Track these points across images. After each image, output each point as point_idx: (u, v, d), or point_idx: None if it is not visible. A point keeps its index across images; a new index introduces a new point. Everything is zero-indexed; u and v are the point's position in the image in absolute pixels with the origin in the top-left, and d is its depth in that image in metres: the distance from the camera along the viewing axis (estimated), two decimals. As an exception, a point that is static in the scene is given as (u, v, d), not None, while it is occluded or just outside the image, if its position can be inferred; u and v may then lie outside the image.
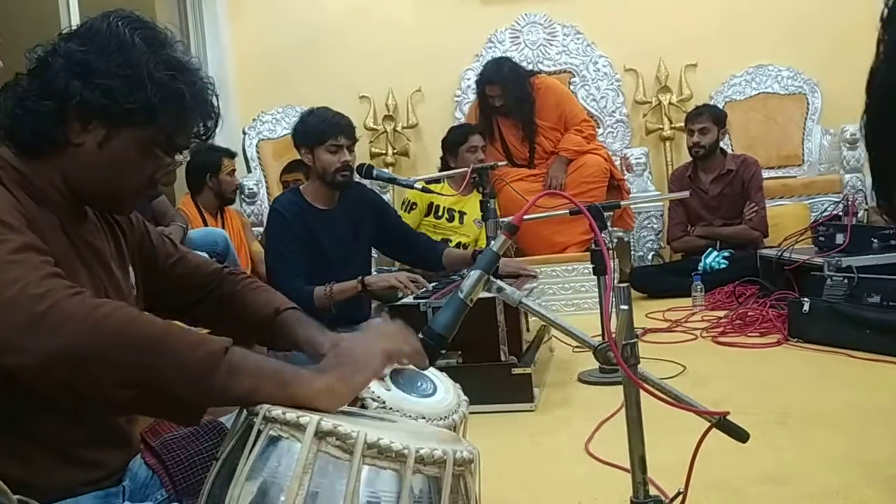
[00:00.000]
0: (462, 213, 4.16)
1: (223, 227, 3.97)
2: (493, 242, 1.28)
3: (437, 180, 3.90)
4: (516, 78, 4.55)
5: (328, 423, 0.92)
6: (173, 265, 1.34)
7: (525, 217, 1.99)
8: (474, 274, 1.26)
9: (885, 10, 0.50)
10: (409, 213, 4.06)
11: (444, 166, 4.27)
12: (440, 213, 4.13)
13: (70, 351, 0.84)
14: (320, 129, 2.82)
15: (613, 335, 1.17)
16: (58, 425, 1.04)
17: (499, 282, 1.28)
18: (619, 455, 1.64)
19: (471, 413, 1.29)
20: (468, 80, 5.31)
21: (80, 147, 1.07)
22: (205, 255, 3.05)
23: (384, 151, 5.32)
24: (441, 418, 1.24)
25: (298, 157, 2.95)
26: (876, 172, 0.51)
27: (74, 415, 1.05)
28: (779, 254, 3.35)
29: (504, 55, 4.96)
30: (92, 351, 0.85)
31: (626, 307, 1.19)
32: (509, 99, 4.51)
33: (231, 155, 4.14)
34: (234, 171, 4.10)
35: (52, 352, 0.83)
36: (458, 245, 4.06)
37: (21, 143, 1.07)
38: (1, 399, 0.95)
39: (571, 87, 5.21)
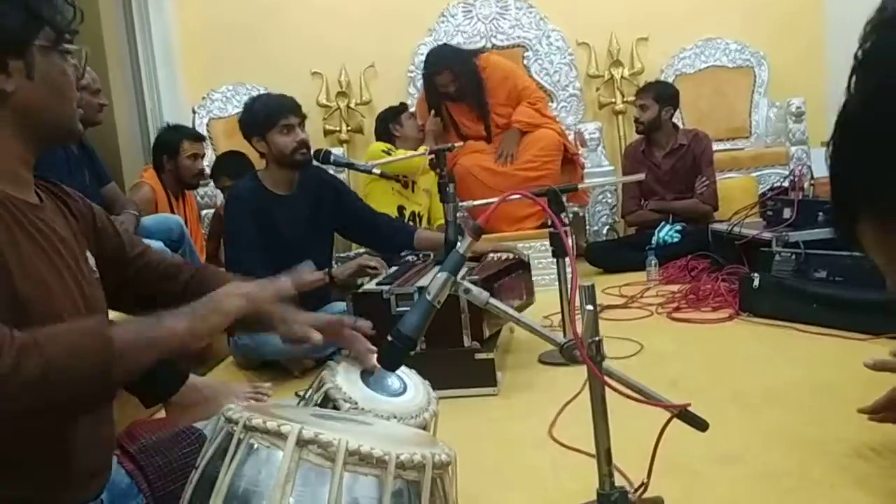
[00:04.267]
0: (413, 182, 4.21)
1: (184, 211, 3.90)
2: (459, 245, 1.30)
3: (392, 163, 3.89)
4: (462, 61, 4.51)
5: (310, 431, 0.94)
6: (140, 255, 1.32)
7: (479, 202, 1.92)
8: (441, 276, 1.28)
9: (861, 52, 0.52)
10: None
11: (385, 135, 4.35)
12: (397, 176, 4.15)
13: None
14: (267, 113, 2.79)
15: (579, 333, 1.21)
16: (26, 436, 1.01)
17: (465, 283, 1.31)
18: (582, 439, 1.69)
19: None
20: (421, 54, 5.25)
21: (15, 93, 1.03)
22: (160, 243, 3.01)
23: (338, 129, 5.27)
24: (412, 417, 1.27)
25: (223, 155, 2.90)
26: (837, 211, 0.54)
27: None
28: (729, 228, 3.44)
29: (443, 42, 4.94)
30: None
31: (591, 307, 1.22)
32: (460, 83, 4.47)
33: (195, 137, 3.94)
34: (196, 154, 3.86)
35: None
36: (412, 215, 4.11)
37: None
38: None
39: (525, 62, 5.22)
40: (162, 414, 1.76)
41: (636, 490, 1.27)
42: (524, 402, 2.20)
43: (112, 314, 1.24)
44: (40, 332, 0.89)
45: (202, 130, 5.06)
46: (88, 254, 1.19)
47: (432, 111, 4.55)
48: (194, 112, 5.12)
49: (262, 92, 3.75)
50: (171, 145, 3.79)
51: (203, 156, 3.92)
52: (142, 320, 1.05)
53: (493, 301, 1.30)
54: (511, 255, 2.79)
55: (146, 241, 2.87)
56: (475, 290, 1.29)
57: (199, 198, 4.63)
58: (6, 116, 1.04)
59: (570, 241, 2.74)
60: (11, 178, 1.05)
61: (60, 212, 1.17)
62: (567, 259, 2.62)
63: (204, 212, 4.62)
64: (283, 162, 2.82)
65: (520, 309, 2.71)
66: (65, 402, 0.90)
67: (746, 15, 5.18)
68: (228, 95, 5.17)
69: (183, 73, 5.28)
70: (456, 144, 3.34)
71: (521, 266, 2.76)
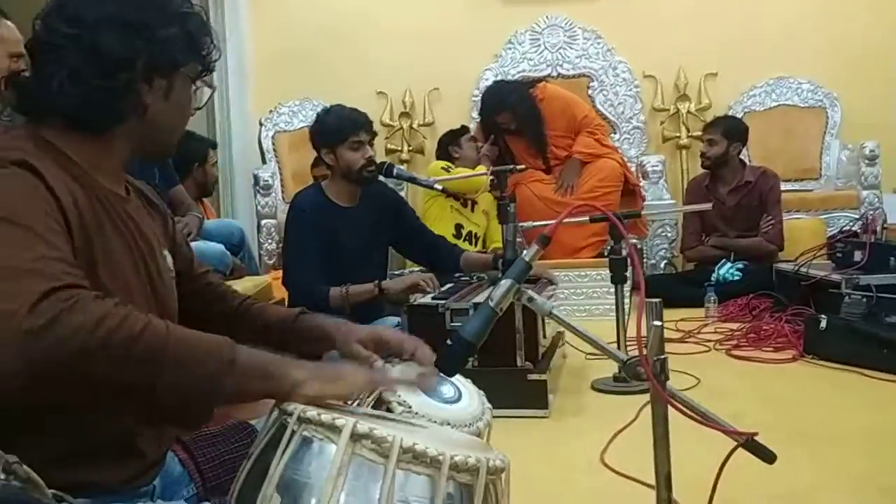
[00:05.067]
0: (473, 203, 4.20)
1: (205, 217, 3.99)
2: (525, 252, 1.27)
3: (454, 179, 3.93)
4: (520, 98, 4.52)
5: (364, 425, 0.92)
6: (204, 274, 1.34)
7: (538, 223, 1.86)
8: (505, 283, 1.25)
9: None
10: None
11: (445, 157, 4.43)
12: (456, 194, 4.19)
13: (65, 368, 0.81)
14: (340, 127, 2.81)
15: (645, 351, 1.17)
16: (97, 419, 1.01)
17: (529, 291, 1.28)
18: (635, 466, 1.64)
19: (483, 416, 1.29)
20: (486, 80, 5.30)
21: (149, 107, 1.07)
22: (221, 246, 3.07)
23: (400, 148, 5.32)
24: (466, 425, 1.24)
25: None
26: None
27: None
28: (796, 268, 3.33)
29: (498, 79, 4.96)
30: (90, 369, 0.82)
31: (658, 323, 1.18)
32: (520, 120, 4.49)
33: (215, 146, 4.15)
34: (216, 162, 4.09)
35: (46, 369, 0.80)
36: (469, 234, 4.11)
37: (92, 126, 1.05)
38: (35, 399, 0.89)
39: (589, 92, 5.21)
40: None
41: (696, 519, 1.22)
42: (575, 426, 2.15)
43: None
44: (172, 324, 0.90)
45: (267, 143, 5.17)
46: (166, 252, 1.21)
47: (491, 136, 4.58)
48: (261, 125, 5.23)
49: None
50: (201, 153, 3.91)
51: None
52: (267, 354, 1.01)
53: (555, 312, 1.26)
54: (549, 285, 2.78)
55: (208, 242, 2.96)
56: (539, 299, 1.26)
57: (259, 207, 4.73)
58: (135, 126, 1.07)
59: (629, 270, 2.69)
60: (109, 174, 1.09)
61: (144, 207, 1.19)
62: (625, 284, 2.58)
63: (264, 221, 4.71)
64: (350, 177, 2.84)
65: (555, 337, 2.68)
66: (167, 395, 0.86)
67: (820, 55, 5.08)
68: (295, 110, 5.27)
69: (253, 87, 5.40)
70: (518, 167, 3.33)
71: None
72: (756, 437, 1.20)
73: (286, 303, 3.06)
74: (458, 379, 1.36)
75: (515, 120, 4.48)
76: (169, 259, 1.21)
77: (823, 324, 2.72)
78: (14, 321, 0.78)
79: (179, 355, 0.86)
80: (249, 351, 0.95)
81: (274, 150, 5.17)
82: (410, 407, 1.23)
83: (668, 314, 3.81)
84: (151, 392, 0.85)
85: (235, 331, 1.30)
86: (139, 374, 0.84)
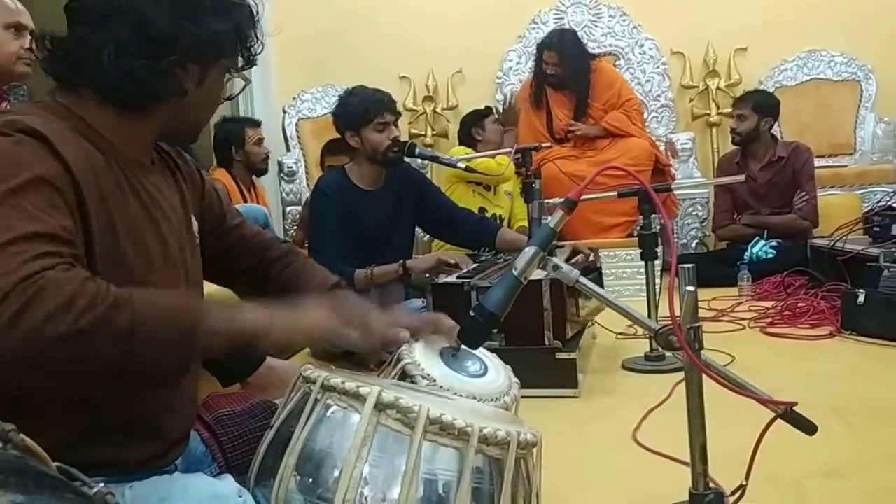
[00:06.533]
0: (494, 185, 4.16)
1: (256, 203, 3.96)
2: (549, 218, 1.24)
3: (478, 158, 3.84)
4: (577, 52, 4.46)
5: (389, 394, 0.89)
6: (238, 225, 1.32)
7: (562, 200, 1.84)
8: (529, 251, 1.21)
9: None
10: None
11: (467, 139, 4.35)
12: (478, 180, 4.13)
13: (40, 357, 0.81)
14: (364, 109, 2.77)
15: (678, 318, 1.12)
16: (115, 399, 1.00)
17: (555, 259, 1.24)
18: (667, 444, 1.60)
19: (512, 397, 1.25)
20: (510, 61, 5.24)
21: (188, 91, 1.05)
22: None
23: (423, 132, 5.28)
24: (493, 399, 1.20)
25: (336, 137, 2.92)
26: None
27: (133, 390, 1.02)
28: (831, 244, 3.25)
29: (570, 28, 4.86)
30: (64, 353, 0.82)
31: (691, 288, 1.14)
32: (564, 70, 4.41)
33: (255, 124, 4.04)
34: (261, 140, 3.97)
35: (22, 360, 0.80)
36: (493, 217, 4.06)
37: (129, 103, 1.03)
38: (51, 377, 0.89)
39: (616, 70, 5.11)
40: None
41: (733, 493, 1.17)
42: (606, 405, 2.10)
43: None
44: (136, 291, 0.88)
45: (291, 130, 5.16)
46: (193, 218, 1.19)
47: (515, 127, 4.51)
48: (284, 112, 5.22)
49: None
50: (237, 135, 3.86)
51: (263, 140, 3.98)
52: (231, 305, 1.02)
53: (582, 280, 1.22)
54: (587, 257, 2.70)
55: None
56: (565, 267, 1.22)
57: (284, 194, 4.72)
58: (169, 108, 1.05)
59: (659, 249, 2.63)
60: (135, 146, 1.07)
61: (171, 175, 1.17)
62: (655, 261, 2.52)
63: (289, 208, 4.70)
64: (375, 158, 2.81)
65: (591, 314, 2.61)
66: (142, 362, 0.88)
67: (853, 26, 4.93)
68: (318, 96, 5.25)
69: (276, 73, 5.39)
70: (543, 144, 3.27)
71: (593, 270, 2.68)
72: (795, 408, 1.15)
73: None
74: (483, 353, 1.32)
75: (560, 67, 4.40)
76: (195, 225, 1.19)
77: (861, 298, 2.65)
78: None
79: (147, 327, 0.85)
80: (214, 307, 0.96)
81: (298, 137, 5.16)
82: (435, 381, 1.20)
83: (701, 294, 3.71)
84: (128, 364, 0.86)
85: (266, 286, 1.30)
86: (112, 351, 0.84)
